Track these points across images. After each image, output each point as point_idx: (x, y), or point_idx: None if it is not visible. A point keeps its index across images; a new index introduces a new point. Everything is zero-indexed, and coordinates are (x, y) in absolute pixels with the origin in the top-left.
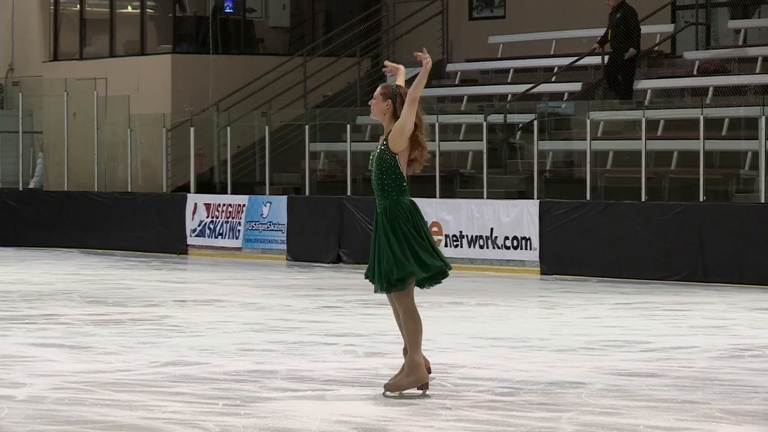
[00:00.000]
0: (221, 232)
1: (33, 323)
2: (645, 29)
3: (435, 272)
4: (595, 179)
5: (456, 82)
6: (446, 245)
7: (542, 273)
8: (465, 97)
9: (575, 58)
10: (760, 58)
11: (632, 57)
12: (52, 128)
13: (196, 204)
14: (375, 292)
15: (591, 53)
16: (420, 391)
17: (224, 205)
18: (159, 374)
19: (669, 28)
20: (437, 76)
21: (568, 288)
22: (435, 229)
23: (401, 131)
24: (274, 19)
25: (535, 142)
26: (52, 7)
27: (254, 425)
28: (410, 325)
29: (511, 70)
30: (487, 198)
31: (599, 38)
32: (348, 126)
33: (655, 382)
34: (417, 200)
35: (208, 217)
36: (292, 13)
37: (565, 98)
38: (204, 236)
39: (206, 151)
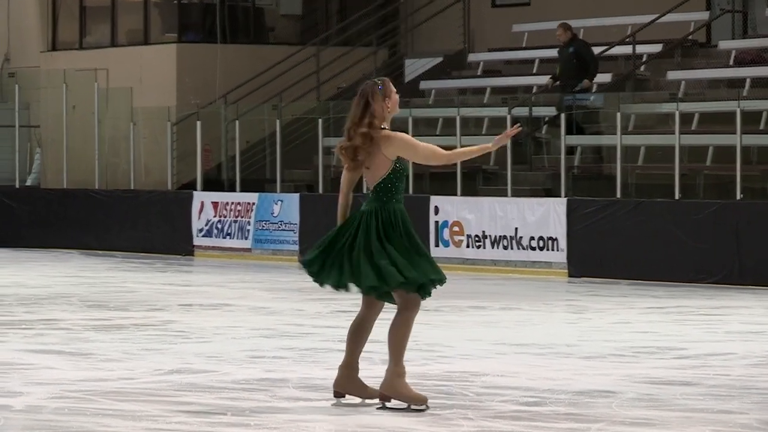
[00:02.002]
0: (229, 232)
1: (30, 329)
2: (678, 17)
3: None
4: (625, 176)
5: (478, 73)
6: (468, 246)
7: (570, 275)
8: (488, 89)
9: (604, 47)
10: None
11: (585, 89)
12: (50, 122)
13: (202, 202)
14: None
15: (546, 90)
16: (381, 403)
17: (233, 203)
18: (163, 383)
19: (704, 16)
20: (458, 66)
21: (597, 291)
22: (456, 228)
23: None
24: (285, 7)
25: (563, 137)
26: None
27: None
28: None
29: (537, 61)
30: (512, 196)
31: (552, 75)
32: None
33: (689, 391)
34: (438, 198)
35: (215, 216)
36: (305, 0)
37: (594, 90)
38: (211, 236)
39: (213, 147)
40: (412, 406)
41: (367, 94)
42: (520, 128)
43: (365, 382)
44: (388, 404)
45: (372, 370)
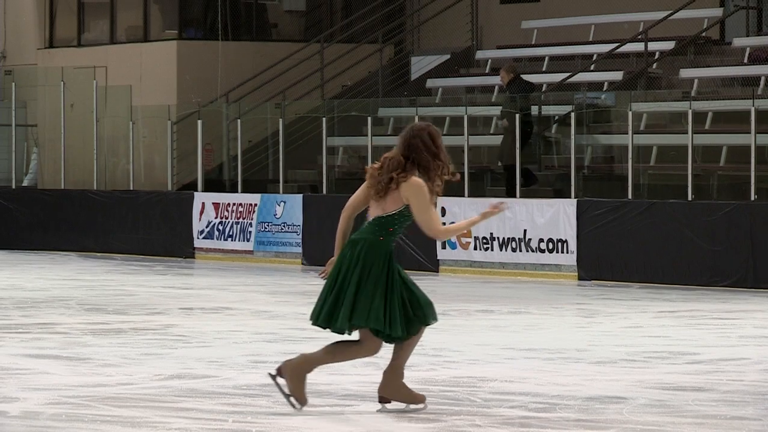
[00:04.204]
0: (231, 233)
1: (27, 332)
2: (691, 13)
3: None
4: (637, 176)
5: (486, 71)
6: (476, 248)
7: (580, 278)
8: (496, 87)
9: (616, 44)
10: None
11: (506, 129)
12: (48, 121)
13: (203, 203)
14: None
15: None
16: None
17: (234, 204)
18: (163, 388)
19: (717, 12)
20: (466, 64)
21: (608, 295)
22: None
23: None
24: (288, 3)
25: (573, 136)
26: None
27: None
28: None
29: (546, 58)
30: (520, 197)
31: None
32: (369, 119)
33: (702, 397)
34: (445, 199)
35: (216, 217)
36: None
37: (604, 88)
38: (212, 238)
39: (215, 146)
40: (291, 399)
41: (438, 151)
42: (506, 206)
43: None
44: (279, 379)
45: (377, 376)
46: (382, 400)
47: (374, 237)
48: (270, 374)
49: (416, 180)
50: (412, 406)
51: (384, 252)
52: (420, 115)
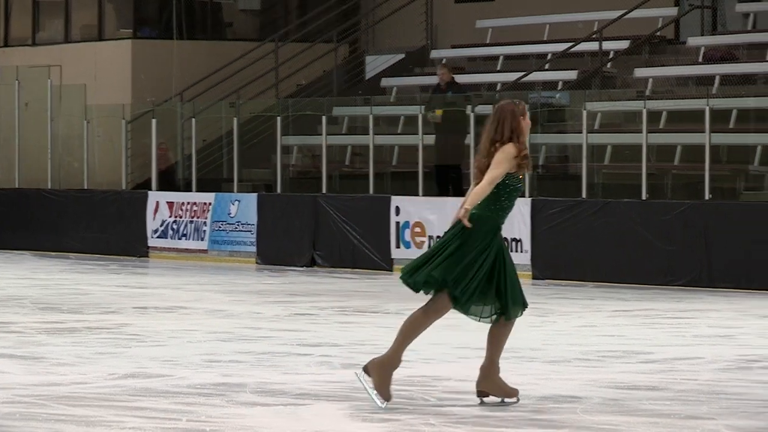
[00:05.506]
0: (185, 232)
1: None
2: (646, 13)
3: None
4: (591, 176)
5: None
6: (430, 247)
7: (534, 277)
8: (430, 89)
9: (570, 44)
10: None
11: (437, 123)
12: (2, 120)
13: (158, 202)
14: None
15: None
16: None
17: (188, 203)
18: (118, 387)
19: (672, 11)
20: (420, 63)
21: (562, 294)
22: (417, 229)
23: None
24: (243, 2)
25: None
26: None
27: None
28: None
29: (501, 57)
30: None
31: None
32: (323, 118)
33: (656, 396)
34: (399, 198)
35: (171, 216)
36: None
37: (559, 88)
38: (166, 237)
39: (169, 145)
40: (375, 394)
41: (505, 113)
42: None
43: (505, 381)
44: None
45: (332, 374)
46: (481, 394)
47: (483, 211)
48: (356, 373)
49: (507, 146)
50: (507, 400)
51: (491, 226)
52: (374, 114)
